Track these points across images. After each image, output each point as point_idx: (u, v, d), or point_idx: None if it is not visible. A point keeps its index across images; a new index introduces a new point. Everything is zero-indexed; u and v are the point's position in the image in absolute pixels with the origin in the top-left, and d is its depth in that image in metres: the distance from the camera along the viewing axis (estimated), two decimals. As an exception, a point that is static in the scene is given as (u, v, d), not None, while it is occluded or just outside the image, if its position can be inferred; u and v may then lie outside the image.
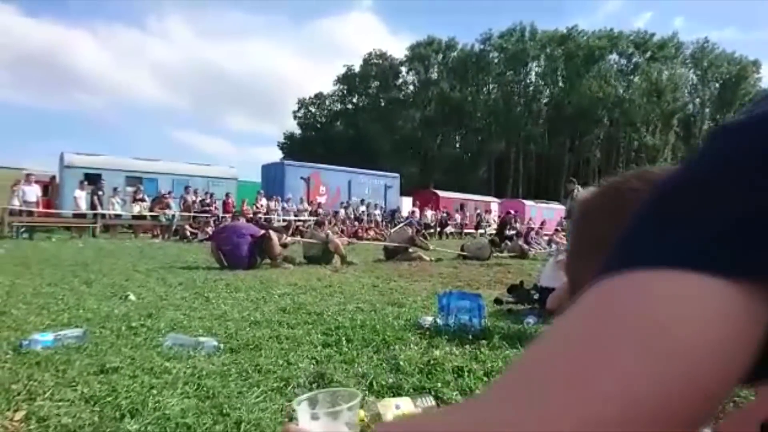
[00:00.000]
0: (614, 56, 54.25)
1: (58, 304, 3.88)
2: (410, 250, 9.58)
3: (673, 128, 51.13)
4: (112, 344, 2.77)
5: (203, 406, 1.92)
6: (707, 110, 54.37)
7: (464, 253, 10.44)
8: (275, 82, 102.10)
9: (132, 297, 4.29)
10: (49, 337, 2.72)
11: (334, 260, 8.16)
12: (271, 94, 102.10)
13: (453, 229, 21.89)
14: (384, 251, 9.64)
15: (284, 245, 8.15)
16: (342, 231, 16.95)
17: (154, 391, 2.04)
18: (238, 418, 1.80)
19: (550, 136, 54.04)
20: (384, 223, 20.62)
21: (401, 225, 11.08)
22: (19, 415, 1.80)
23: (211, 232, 14.25)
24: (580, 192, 9.93)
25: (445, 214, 22.41)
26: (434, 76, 58.55)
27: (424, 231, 15.46)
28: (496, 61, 56.50)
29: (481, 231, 21.13)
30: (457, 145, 59.15)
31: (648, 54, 52.79)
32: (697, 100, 54.91)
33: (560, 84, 55.58)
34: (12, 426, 1.73)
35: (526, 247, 12.13)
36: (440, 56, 59.16)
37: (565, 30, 54.34)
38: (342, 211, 19.64)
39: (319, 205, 20.05)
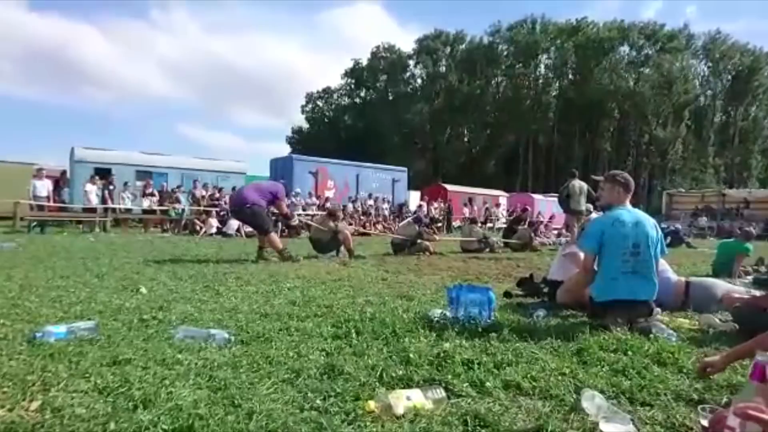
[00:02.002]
0: (625, 48, 53.64)
1: (71, 297, 3.91)
2: (417, 241, 9.56)
3: (684, 121, 50.46)
4: (124, 336, 2.79)
5: (215, 397, 1.94)
6: (719, 102, 53.62)
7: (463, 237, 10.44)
8: (283, 76, 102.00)
9: (143, 290, 4.33)
10: (62, 329, 2.75)
11: (341, 252, 8.18)
12: (279, 89, 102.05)
13: (461, 223, 21.86)
14: (391, 245, 9.63)
15: (292, 226, 8.30)
16: (350, 225, 17.01)
17: (167, 382, 2.06)
18: (249, 409, 1.80)
19: (559, 129, 53.62)
20: (392, 217, 20.62)
21: (407, 220, 11.01)
22: (34, 405, 1.82)
23: (215, 227, 14.37)
24: (576, 183, 9.85)
25: (447, 207, 22.34)
26: (442, 69, 58.22)
27: (432, 225, 15.46)
28: (505, 53, 56.05)
29: (489, 225, 21.07)
30: (466, 139, 58.88)
31: (658, 45, 52.11)
32: (709, 92, 54.14)
33: (570, 76, 55.08)
34: (28, 415, 1.75)
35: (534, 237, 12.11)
36: (448, 49, 58.80)
37: (575, 21, 53.76)
38: (350, 205, 19.65)
39: (327, 199, 20.09)
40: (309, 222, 8.60)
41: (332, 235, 8.21)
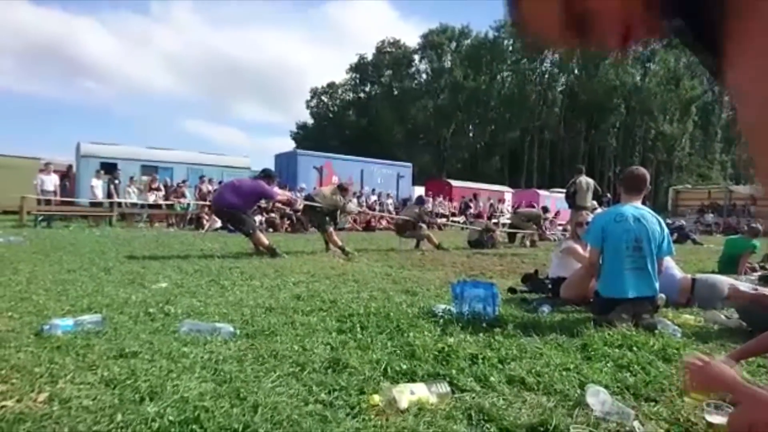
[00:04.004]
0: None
1: (77, 291, 3.95)
2: (419, 224, 9.62)
3: (691, 116, 50.11)
4: (130, 329, 2.81)
5: (221, 389, 1.95)
6: (726, 98, 53.22)
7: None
8: (287, 70, 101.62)
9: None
10: (69, 322, 2.77)
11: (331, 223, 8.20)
12: (283, 83, 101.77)
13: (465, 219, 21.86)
14: (394, 227, 9.73)
15: (296, 210, 8.31)
16: (354, 220, 17.01)
17: (173, 375, 2.08)
18: (255, 402, 1.82)
19: (565, 124, 53.34)
20: (396, 212, 20.62)
21: (410, 205, 10.92)
22: (42, 397, 1.84)
23: (220, 222, 14.41)
24: (583, 180, 9.82)
25: (463, 206, 22.42)
26: (447, 64, 58.01)
27: (435, 217, 15.54)
28: (510, 48, 55.77)
29: (494, 221, 21.04)
30: (471, 135, 58.70)
31: (665, 40, 51.64)
32: (717, 87, 53.72)
33: (576, 72, 54.77)
34: (36, 407, 1.77)
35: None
36: (453, 44, 58.58)
37: (582, 16, 53.41)
38: (354, 201, 19.65)
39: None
40: (312, 203, 8.29)
41: (333, 209, 8.18)
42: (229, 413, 1.73)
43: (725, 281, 4.34)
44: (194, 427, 1.63)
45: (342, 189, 8.51)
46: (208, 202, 15.82)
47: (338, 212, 8.43)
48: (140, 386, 1.94)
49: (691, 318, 3.61)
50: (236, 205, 7.08)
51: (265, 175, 7.73)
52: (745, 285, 4.31)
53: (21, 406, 1.77)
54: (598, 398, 1.88)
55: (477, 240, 10.48)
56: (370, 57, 61.49)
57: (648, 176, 3.72)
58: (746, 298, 3.55)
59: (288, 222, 15.11)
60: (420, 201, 10.71)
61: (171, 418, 1.66)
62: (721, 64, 0.30)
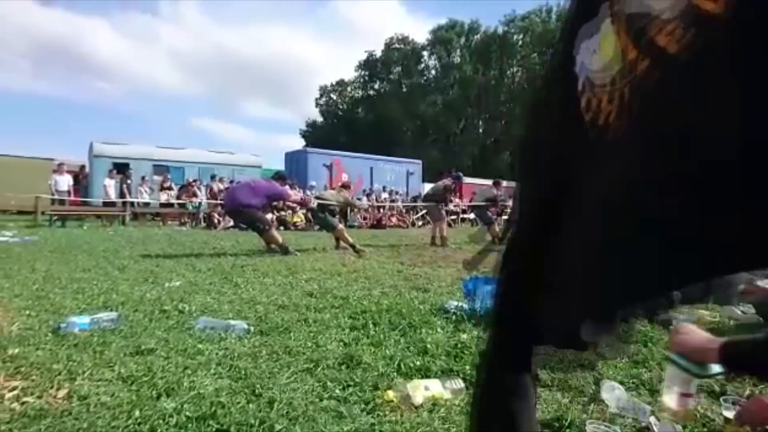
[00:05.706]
0: (643, 36, 52.67)
1: (93, 289, 3.99)
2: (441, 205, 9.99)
3: (704, 109, 49.53)
4: (146, 327, 2.84)
5: (236, 386, 1.97)
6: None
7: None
8: (295, 68, 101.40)
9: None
10: (85, 320, 2.81)
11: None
12: (292, 81, 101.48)
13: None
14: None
15: (310, 208, 8.53)
16: (365, 218, 17.03)
17: (189, 372, 2.10)
18: (270, 398, 1.83)
19: (575, 120, 52.93)
20: (406, 210, 20.59)
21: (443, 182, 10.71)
22: (61, 393, 1.87)
23: (233, 221, 14.49)
24: None
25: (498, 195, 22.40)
26: (457, 59, 57.79)
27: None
28: (520, 43, 55.42)
29: (505, 218, 20.94)
30: (481, 130, 58.45)
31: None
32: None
33: (586, 66, 54.29)
34: (55, 403, 1.80)
35: None
36: (463, 39, 58.35)
37: (592, 10, 52.97)
38: (364, 198, 19.67)
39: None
40: (326, 201, 8.30)
41: (344, 205, 8.55)
42: (246, 409, 1.75)
43: (742, 276, 4.29)
44: (211, 422, 1.65)
45: (345, 187, 9.07)
46: (220, 201, 15.97)
47: (348, 209, 8.58)
48: (157, 383, 1.96)
49: (707, 313, 3.57)
50: (252, 204, 7.22)
51: (279, 177, 8.19)
52: (762, 280, 4.25)
53: (41, 402, 1.80)
54: (613, 394, 1.87)
55: (481, 210, 11.43)
56: (378, 54, 61.45)
57: None
58: (764, 294, 3.51)
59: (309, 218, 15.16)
60: (458, 178, 10.89)
61: (188, 413, 1.68)
62: None
